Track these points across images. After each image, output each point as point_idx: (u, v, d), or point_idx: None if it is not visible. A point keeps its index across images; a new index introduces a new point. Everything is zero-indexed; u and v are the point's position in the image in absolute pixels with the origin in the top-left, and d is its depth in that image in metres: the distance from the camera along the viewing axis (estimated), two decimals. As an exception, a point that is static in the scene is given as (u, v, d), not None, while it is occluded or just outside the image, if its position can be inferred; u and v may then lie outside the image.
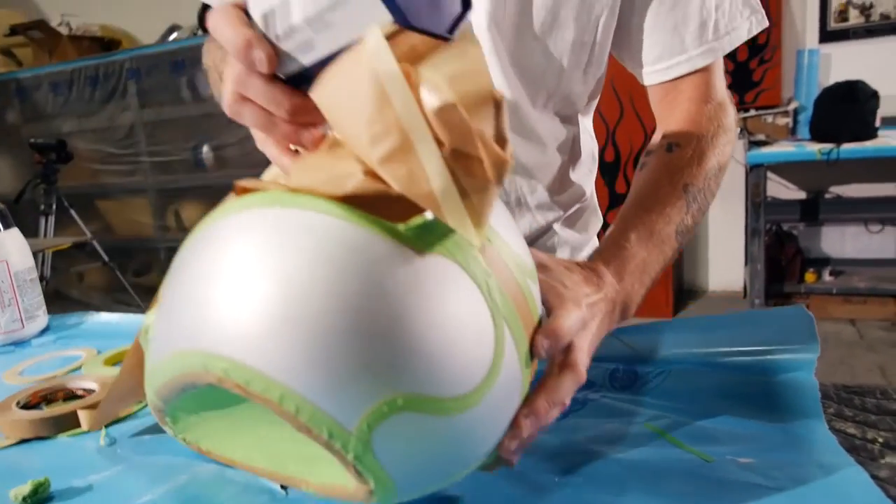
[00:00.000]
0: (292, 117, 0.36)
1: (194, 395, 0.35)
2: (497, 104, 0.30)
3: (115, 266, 3.75)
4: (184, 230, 3.88)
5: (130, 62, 3.62)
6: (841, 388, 0.49)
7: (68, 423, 0.57)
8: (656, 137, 0.65)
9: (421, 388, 0.30)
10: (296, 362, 0.29)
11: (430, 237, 0.31)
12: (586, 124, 0.77)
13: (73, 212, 3.62)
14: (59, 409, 0.58)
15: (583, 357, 0.40)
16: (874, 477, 0.37)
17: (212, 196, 3.67)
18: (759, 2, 0.65)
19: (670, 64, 0.64)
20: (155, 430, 0.56)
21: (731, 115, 0.64)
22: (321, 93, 0.33)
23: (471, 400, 0.31)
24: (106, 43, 4.06)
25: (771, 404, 0.46)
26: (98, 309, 4.00)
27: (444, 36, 0.30)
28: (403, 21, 0.29)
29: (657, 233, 0.53)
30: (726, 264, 3.39)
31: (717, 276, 3.44)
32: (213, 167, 3.62)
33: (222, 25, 0.35)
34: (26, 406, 0.61)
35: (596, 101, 0.76)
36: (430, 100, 0.28)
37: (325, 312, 0.29)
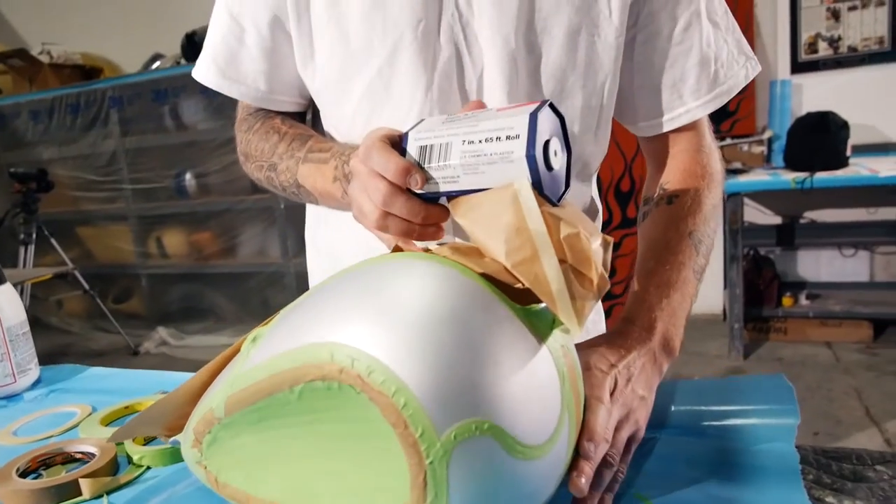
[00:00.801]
0: (424, 222, 0.47)
1: (257, 411, 0.41)
2: (606, 243, 0.42)
3: (95, 293, 3.71)
4: (165, 257, 3.85)
5: (112, 90, 3.62)
6: (820, 454, 0.51)
7: (69, 491, 0.58)
8: (652, 187, 0.69)
9: (505, 424, 0.36)
10: (416, 365, 0.35)
11: (536, 322, 0.41)
12: (594, 183, 0.80)
13: (53, 241, 3.59)
14: (61, 478, 0.58)
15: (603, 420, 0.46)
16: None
17: (194, 223, 3.68)
18: (750, 47, 0.69)
19: (670, 117, 0.67)
20: (157, 494, 0.57)
21: (718, 160, 0.69)
22: (464, 212, 0.44)
23: (538, 451, 0.38)
24: (87, 71, 4.06)
25: (753, 474, 0.49)
26: (78, 335, 3.94)
27: (555, 203, 0.43)
28: (540, 190, 0.41)
29: (677, 280, 0.59)
30: (706, 288, 3.43)
31: (697, 300, 3.49)
32: (195, 194, 3.62)
33: (378, 151, 0.47)
34: (25, 473, 0.61)
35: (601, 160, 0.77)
36: (565, 230, 0.40)
37: (450, 336, 0.37)
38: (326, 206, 0.72)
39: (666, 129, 0.68)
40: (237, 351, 0.51)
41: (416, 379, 0.35)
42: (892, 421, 2.18)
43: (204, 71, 0.73)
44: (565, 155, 0.45)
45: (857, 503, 0.44)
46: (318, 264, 0.83)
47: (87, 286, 3.66)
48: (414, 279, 0.39)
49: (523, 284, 0.40)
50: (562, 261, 0.40)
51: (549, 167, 0.42)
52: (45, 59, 3.92)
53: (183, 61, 3.57)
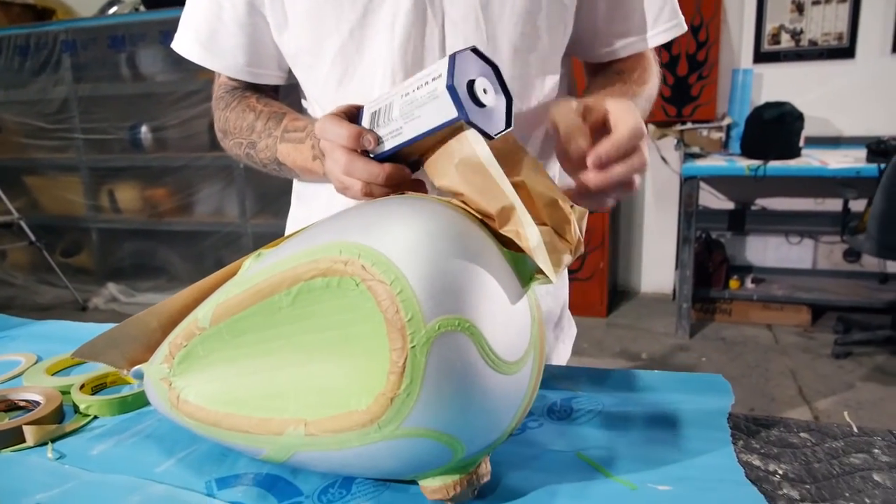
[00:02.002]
0: (387, 182, 0.51)
1: (243, 320, 0.46)
2: (582, 214, 0.47)
3: (42, 245, 3.59)
4: (118, 211, 3.74)
5: (66, 34, 3.45)
6: (751, 421, 0.54)
7: (12, 437, 0.57)
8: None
9: (483, 330, 0.40)
10: (414, 263, 0.40)
11: (520, 267, 0.45)
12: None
13: (-3, 188, 3.45)
14: (3, 424, 0.57)
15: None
16: (771, 508, 0.42)
17: (149, 178, 3.58)
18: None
19: (628, 42, 0.72)
20: (103, 442, 0.56)
21: (657, 74, 0.76)
22: (432, 172, 0.49)
23: (507, 368, 0.41)
24: (39, 11, 3.86)
25: (689, 441, 0.51)
26: (22, 288, 3.80)
27: (491, 136, 0.47)
28: (466, 119, 0.45)
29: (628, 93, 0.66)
30: (658, 268, 3.55)
31: (648, 279, 3.59)
32: (151, 148, 3.51)
33: (331, 124, 0.52)
34: (-34, 418, 0.60)
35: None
36: (543, 197, 0.46)
37: (447, 247, 0.41)
38: (309, 181, 0.76)
39: (624, 54, 0.74)
40: (233, 273, 0.53)
41: (412, 273, 0.40)
42: (822, 400, 2.30)
43: (184, 44, 0.75)
44: (503, 99, 0.49)
45: (782, 466, 0.48)
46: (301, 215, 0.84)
47: (33, 237, 3.54)
48: (418, 205, 0.45)
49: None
50: (543, 224, 0.46)
51: (478, 104, 0.46)
52: (-8, -5, 3.71)
53: (142, 8, 3.42)
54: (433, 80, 0.47)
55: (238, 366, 0.47)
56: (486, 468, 0.45)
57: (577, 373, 0.65)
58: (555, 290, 0.83)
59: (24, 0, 3.83)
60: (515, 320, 0.43)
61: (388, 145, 0.51)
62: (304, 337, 0.44)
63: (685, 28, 0.73)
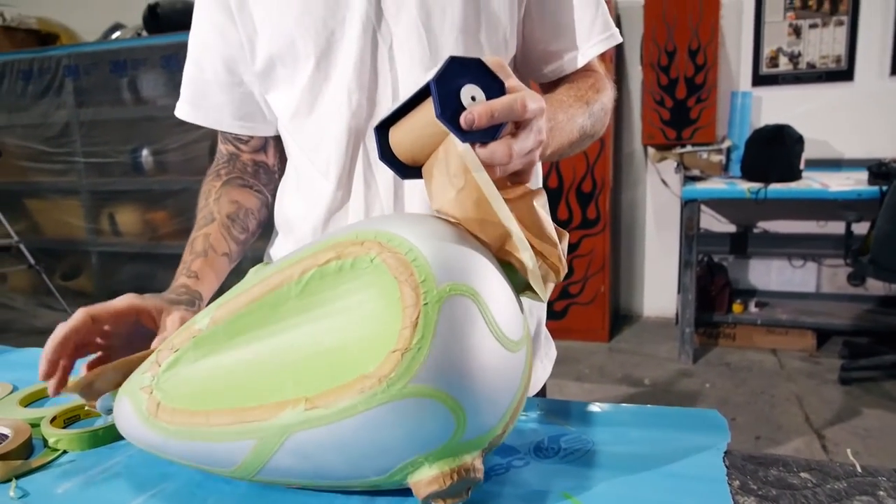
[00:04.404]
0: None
1: (244, 317, 0.47)
2: (562, 234, 0.51)
3: (41, 269, 3.58)
4: (118, 234, 3.73)
5: (68, 58, 3.48)
6: (748, 459, 0.52)
7: (-24, 474, 0.54)
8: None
9: (488, 302, 0.43)
10: (426, 242, 0.44)
11: (514, 278, 0.48)
12: None
13: (-3, 211, 3.45)
14: (-33, 460, 0.55)
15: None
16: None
17: (150, 201, 3.57)
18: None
19: (571, 57, 0.76)
20: (70, 479, 0.54)
21: (611, 88, 0.78)
22: (431, 187, 0.49)
23: (509, 343, 0.44)
24: (43, 37, 3.90)
25: (683, 482, 0.49)
26: (21, 311, 3.77)
27: (466, 139, 0.46)
28: (438, 114, 0.45)
29: (569, 115, 0.67)
30: (660, 291, 3.51)
31: (650, 302, 3.56)
32: (152, 172, 3.51)
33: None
34: (-70, 453, 0.58)
35: None
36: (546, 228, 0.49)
37: (454, 239, 0.45)
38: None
39: (568, 69, 0.77)
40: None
41: (424, 247, 0.43)
42: (829, 427, 2.25)
43: (179, 106, 0.83)
44: (497, 86, 0.47)
45: (779, 510, 0.45)
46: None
47: (32, 261, 3.53)
48: (424, 215, 0.50)
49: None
50: (538, 253, 0.49)
51: (459, 106, 0.46)
52: (-3, 21, 3.75)
53: (144, 33, 3.45)
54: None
55: (230, 361, 0.47)
56: (479, 465, 0.44)
57: (568, 407, 0.62)
58: (529, 306, 0.81)
59: (29, 25, 3.87)
60: (513, 305, 0.46)
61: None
62: (311, 325, 0.45)
63: (619, 39, 0.78)
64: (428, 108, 0.46)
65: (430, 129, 0.46)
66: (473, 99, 0.46)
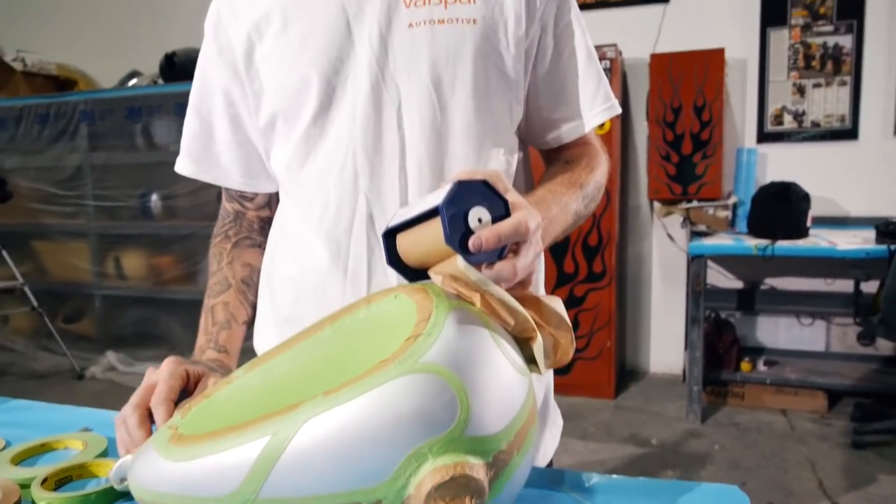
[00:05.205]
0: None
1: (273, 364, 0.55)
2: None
3: (44, 311, 3.57)
4: (123, 278, 3.74)
5: (85, 104, 3.56)
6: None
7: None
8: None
9: (497, 331, 0.48)
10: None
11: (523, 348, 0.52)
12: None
13: (4, 253, 3.46)
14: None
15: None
16: None
17: (156, 245, 3.59)
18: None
19: (571, 126, 0.78)
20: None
21: (606, 161, 0.80)
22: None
23: (516, 364, 0.47)
24: (61, 82, 3.99)
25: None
26: (21, 354, 3.75)
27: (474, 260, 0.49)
28: (447, 238, 0.48)
29: (562, 205, 0.69)
30: (666, 347, 3.47)
31: (657, 358, 3.50)
32: (160, 216, 3.54)
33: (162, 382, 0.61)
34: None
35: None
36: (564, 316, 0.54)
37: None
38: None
39: (567, 138, 0.79)
40: None
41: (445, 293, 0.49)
42: (844, 494, 2.17)
43: (180, 162, 0.83)
44: (502, 204, 0.50)
45: None
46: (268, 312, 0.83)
47: (35, 303, 3.52)
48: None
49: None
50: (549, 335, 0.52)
51: (468, 230, 0.49)
52: (18, 66, 3.85)
53: (160, 81, 3.53)
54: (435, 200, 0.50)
55: (258, 383, 0.53)
56: (483, 475, 0.42)
57: (578, 479, 0.60)
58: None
59: (48, 71, 3.97)
60: (513, 367, 0.47)
61: (395, 221, 0.57)
62: (340, 346, 0.52)
63: (619, 110, 0.80)
64: (436, 227, 0.49)
65: (439, 246, 0.49)
66: (479, 220, 0.49)
